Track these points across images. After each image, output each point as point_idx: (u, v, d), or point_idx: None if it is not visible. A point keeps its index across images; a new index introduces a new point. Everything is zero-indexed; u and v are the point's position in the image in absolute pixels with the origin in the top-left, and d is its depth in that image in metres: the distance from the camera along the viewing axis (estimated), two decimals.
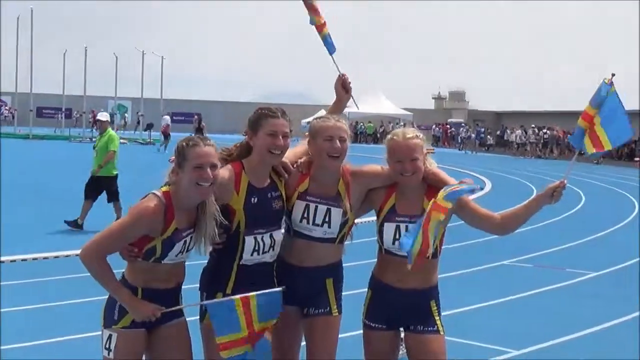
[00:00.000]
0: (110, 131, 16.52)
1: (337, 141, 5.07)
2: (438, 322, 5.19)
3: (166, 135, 47.84)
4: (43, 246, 13.53)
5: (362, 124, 73.73)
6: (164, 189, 4.81)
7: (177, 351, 4.95)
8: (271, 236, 5.03)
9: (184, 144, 4.77)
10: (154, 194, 4.76)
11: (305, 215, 5.13)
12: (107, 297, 4.87)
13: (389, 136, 5.24)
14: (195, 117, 52.48)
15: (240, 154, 5.11)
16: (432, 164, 5.26)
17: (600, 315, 10.43)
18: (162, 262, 4.79)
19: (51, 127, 68.44)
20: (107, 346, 4.80)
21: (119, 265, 4.91)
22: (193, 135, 4.97)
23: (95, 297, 9.65)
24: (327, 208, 5.12)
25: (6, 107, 76.55)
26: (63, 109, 66.60)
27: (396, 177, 5.12)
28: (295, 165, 5.26)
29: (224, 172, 4.97)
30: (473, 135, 69.86)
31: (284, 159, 5.17)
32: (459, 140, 70.01)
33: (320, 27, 5.86)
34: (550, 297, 11.63)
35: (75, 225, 15.65)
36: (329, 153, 5.07)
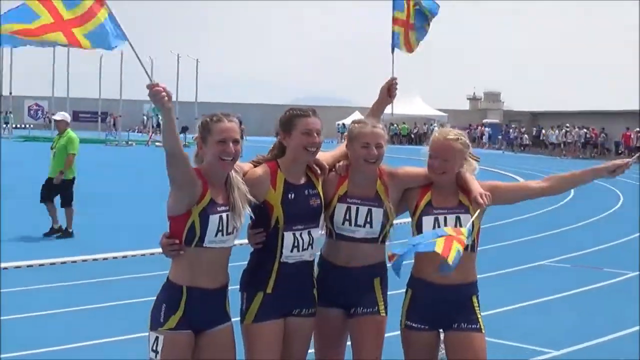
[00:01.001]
0: (70, 132, 15.66)
1: (374, 148, 5.14)
2: (479, 319, 5.19)
3: None
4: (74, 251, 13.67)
5: (396, 125, 73.59)
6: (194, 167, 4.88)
7: (230, 356, 4.98)
8: (309, 233, 5.09)
9: (208, 119, 4.88)
10: None
11: (347, 217, 5.19)
12: (153, 299, 4.89)
13: (435, 132, 5.31)
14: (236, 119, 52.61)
15: (275, 155, 5.19)
16: (470, 168, 5.31)
17: (637, 315, 10.38)
18: (204, 244, 4.77)
19: (87, 131, 69.07)
20: (154, 348, 4.79)
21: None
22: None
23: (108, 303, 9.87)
24: (369, 209, 5.18)
25: (45, 112, 77.30)
26: (99, 113, 67.10)
27: (429, 172, 5.20)
28: (334, 169, 5.33)
29: (259, 169, 5.09)
30: (500, 137, 69.68)
31: (321, 159, 5.26)
32: (493, 141, 69.71)
33: (397, 21, 6.19)
34: (588, 297, 11.59)
35: (60, 232, 15.21)
36: (366, 159, 5.16)
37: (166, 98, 4.49)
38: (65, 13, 4.74)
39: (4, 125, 64.02)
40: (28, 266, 12.19)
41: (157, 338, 4.79)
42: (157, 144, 53.77)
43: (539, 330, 9.54)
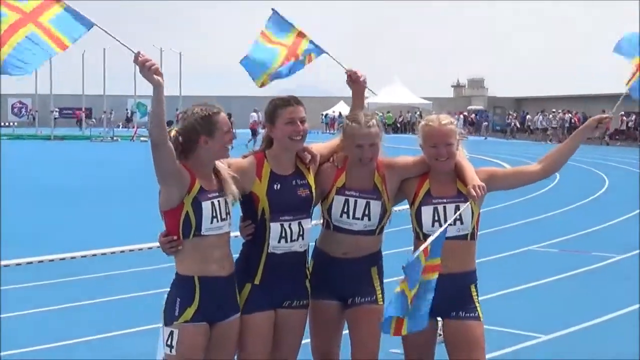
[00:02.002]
0: None
1: (368, 148, 5.13)
2: (478, 308, 5.19)
3: (254, 132, 45.56)
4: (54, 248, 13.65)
5: (381, 113, 73.63)
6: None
7: (230, 350, 5.02)
8: (299, 224, 5.07)
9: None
10: None
11: (345, 209, 5.18)
12: (165, 294, 4.90)
13: (423, 122, 5.26)
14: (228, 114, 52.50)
15: (264, 147, 5.19)
16: (462, 152, 5.29)
17: (627, 297, 10.45)
18: (202, 233, 4.78)
19: (71, 127, 68.86)
20: (169, 343, 4.79)
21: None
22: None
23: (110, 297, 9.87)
24: (367, 202, 5.17)
25: (28, 109, 77.04)
26: (83, 109, 66.87)
27: (431, 162, 5.16)
28: (331, 160, 5.32)
29: (245, 161, 5.11)
30: (485, 123, 70.00)
31: (314, 150, 5.26)
32: (482, 127, 69.99)
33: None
34: (576, 281, 11.66)
35: None
36: (362, 159, 5.15)
37: (155, 66, 4.55)
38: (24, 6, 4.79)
39: None
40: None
41: (171, 332, 4.79)
42: (142, 139, 53.73)
43: (527, 315, 9.59)
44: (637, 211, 19.54)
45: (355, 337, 5.23)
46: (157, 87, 4.58)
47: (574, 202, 20.99)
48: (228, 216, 4.92)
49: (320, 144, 5.42)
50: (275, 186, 5.04)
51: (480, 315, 5.19)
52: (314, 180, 5.20)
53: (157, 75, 4.58)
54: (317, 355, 5.36)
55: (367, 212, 5.17)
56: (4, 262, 11.93)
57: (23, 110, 78.72)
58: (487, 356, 7.67)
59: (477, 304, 5.19)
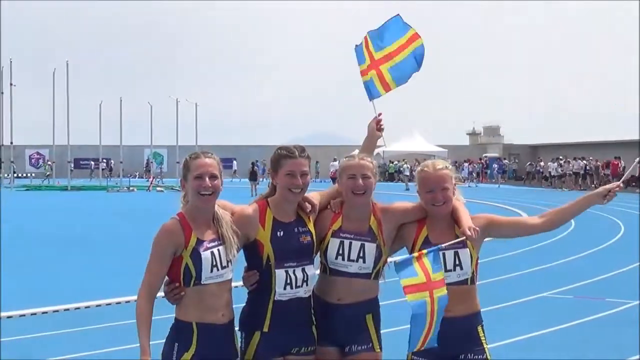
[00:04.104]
0: None
1: (360, 179, 5.19)
2: (486, 349, 5.20)
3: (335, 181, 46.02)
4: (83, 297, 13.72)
5: (396, 162, 73.70)
6: (179, 211, 4.97)
7: None
8: (303, 270, 5.09)
9: (187, 157, 5.01)
10: (170, 217, 4.93)
11: (341, 251, 5.20)
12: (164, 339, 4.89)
13: (419, 168, 5.36)
14: (252, 162, 53.45)
15: (269, 194, 5.25)
16: (460, 200, 5.35)
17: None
18: (202, 282, 4.80)
19: (88, 178, 69.14)
20: None
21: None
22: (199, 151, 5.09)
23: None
24: (361, 243, 5.19)
25: (45, 161, 77.47)
26: (100, 159, 67.25)
27: (428, 207, 5.22)
28: (328, 206, 5.38)
29: (249, 208, 5.15)
30: (495, 170, 70.03)
31: (313, 199, 5.31)
32: (491, 175, 70.02)
33: (365, 72, 6.08)
34: (591, 327, 11.62)
35: None
36: (353, 190, 5.20)
37: None
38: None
39: (5, 175, 64.22)
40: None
41: None
42: (158, 188, 53.97)
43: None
44: None
45: None
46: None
47: (589, 249, 20.92)
48: (229, 263, 4.93)
49: (318, 192, 5.47)
50: (278, 233, 5.08)
51: (489, 356, 5.20)
52: (313, 226, 5.25)
53: None
54: None
55: (362, 254, 5.18)
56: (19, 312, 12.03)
57: (40, 161, 79.16)
58: None
59: (485, 346, 5.21)
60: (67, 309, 12.59)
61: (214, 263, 4.84)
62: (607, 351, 10.04)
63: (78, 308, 12.70)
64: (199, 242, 4.83)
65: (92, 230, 26.62)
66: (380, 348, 5.27)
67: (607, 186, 5.27)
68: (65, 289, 14.77)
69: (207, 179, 4.86)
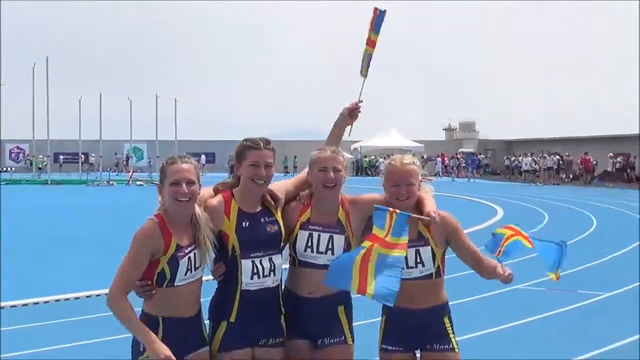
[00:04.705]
0: None
1: (331, 171, 5.17)
2: (453, 339, 5.23)
3: None
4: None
5: (372, 157, 73.84)
6: (157, 211, 4.91)
7: None
8: (270, 260, 5.06)
9: (164, 162, 4.95)
10: (149, 218, 4.86)
11: (309, 244, 5.17)
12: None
13: (387, 162, 5.36)
14: (229, 157, 53.09)
15: (234, 184, 5.21)
16: (428, 191, 5.37)
17: (613, 334, 10.50)
18: (175, 284, 4.80)
19: (68, 172, 68.78)
20: None
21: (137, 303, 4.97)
22: (175, 155, 5.02)
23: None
24: (330, 235, 5.17)
25: (26, 155, 77.05)
26: (80, 154, 66.89)
27: (392, 201, 5.20)
28: (297, 197, 5.34)
29: (214, 200, 5.10)
30: (468, 164, 70.30)
31: (277, 189, 5.26)
32: (466, 169, 70.23)
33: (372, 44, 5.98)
34: (563, 318, 11.68)
35: None
36: (324, 183, 5.18)
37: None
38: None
39: None
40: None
41: None
42: (137, 182, 53.73)
43: (515, 352, 9.61)
44: (624, 250, 19.64)
45: None
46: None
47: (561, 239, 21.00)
48: (203, 260, 4.93)
49: (286, 181, 5.43)
50: (244, 223, 5.05)
51: (455, 346, 5.23)
52: (281, 216, 5.21)
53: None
54: None
55: (330, 246, 5.15)
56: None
57: (20, 155, 78.71)
58: None
59: (451, 336, 5.24)
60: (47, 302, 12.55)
61: (189, 267, 4.84)
62: (579, 342, 10.09)
63: (58, 300, 12.68)
64: (178, 248, 4.81)
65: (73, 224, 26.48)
66: (353, 340, 5.26)
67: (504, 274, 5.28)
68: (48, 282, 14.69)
69: (184, 185, 4.80)
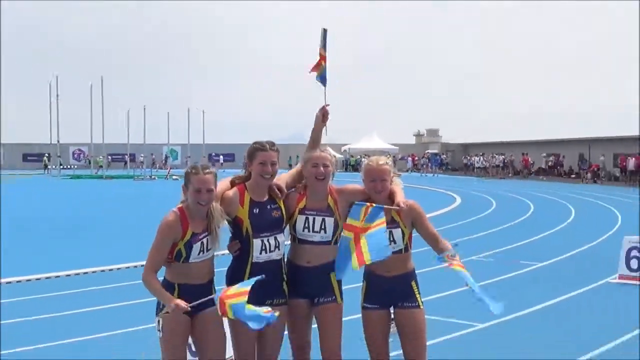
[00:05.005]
0: None
1: (321, 167, 5.17)
2: (418, 298, 5.22)
3: None
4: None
5: (358, 157, 73.63)
6: (179, 205, 4.94)
7: (213, 331, 5.01)
8: (275, 238, 5.08)
9: (189, 170, 4.96)
10: (172, 210, 4.90)
11: (306, 225, 5.17)
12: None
13: (365, 161, 5.32)
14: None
15: (247, 178, 5.19)
16: (398, 184, 5.32)
17: (544, 296, 10.53)
18: (189, 261, 4.85)
19: (119, 169, 68.73)
20: (158, 328, 4.87)
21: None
22: (198, 165, 5.04)
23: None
24: (322, 218, 5.16)
25: (85, 155, 76.93)
26: (128, 154, 66.88)
27: (369, 193, 5.20)
28: (294, 188, 5.33)
29: (231, 192, 5.11)
30: (429, 162, 70.12)
31: (280, 182, 5.25)
32: (430, 166, 70.05)
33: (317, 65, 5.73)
34: (508, 283, 11.70)
35: None
36: (316, 176, 5.18)
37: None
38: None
39: (53, 167, 63.87)
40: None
41: (159, 321, 4.86)
42: (173, 177, 53.65)
43: (467, 310, 9.59)
44: (555, 229, 19.70)
45: (321, 329, 5.21)
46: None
47: (506, 223, 21.07)
48: (214, 245, 4.97)
49: (285, 174, 5.41)
50: (254, 210, 5.05)
51: (420, 304, 5.21)
52: (283, 204, 5.20)
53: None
54: (294, 344, 5.31)
55: (323, 227, 5.16)
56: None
57: (81, 155, 78.44)
58: (436, 341, 7.81)
59: (417, 296, 5.21)
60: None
61: (201, 249, 4.89)
62: (518, 301, 10.10)
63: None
64: (193, 235, 4.85)
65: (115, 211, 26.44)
66: (342, 300, 5.27)
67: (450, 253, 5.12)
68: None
69: (205, 192, 4.85)
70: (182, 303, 4.69)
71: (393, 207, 5.09)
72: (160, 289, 4.80)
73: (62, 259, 14.03)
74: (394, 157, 60.33)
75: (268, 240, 5.05)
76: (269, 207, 5.12)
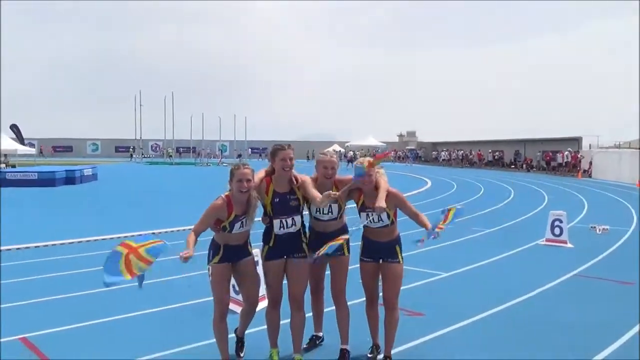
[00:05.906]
0: None
1: (329, 169, 5.16)
2: (399, 256, 5.21)
3: None
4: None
5: (352, 152, 73.29)
6: (227, 193, 4.91)
7: (250, 275, 5.07)
8: (292, 219, 5.04)
9: (232, 167, 4.94)
10: (221, 196, 4.88)
11: (318, 209, 5.19)
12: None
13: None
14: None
15: (272, 171, 5.12)
16: (382, 176, 5.22)
17: (491, 253, 10.39)
18: (232, 233, 4.89)
19: (185, 159, 68.80)
20: (209, 274, 4.90)
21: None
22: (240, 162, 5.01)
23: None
24: (330, 204, 5.14)
25: (160, 148, 77.13)
26: (191, 148, 66.91)
27: (361, 184, 5.13)
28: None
29: (261, 184, 5.05)
30: (409, 156, 69.81)
31: (307, 181, 5.15)
32: (409, 159, 69.70)
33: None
34: (465, 243, 11.58)
35: None
36: (325, 176, 5.17)
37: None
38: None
39: (137, 156, 64.02)
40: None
41: (209, 268, 4.90)
42: (224, 164, 53.62)
43: (434, 261, 9.53)
44: (501, 204, 19.51)
45: (333, 273, 5.24)
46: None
47: (464, 200, 20.92)
48: (249, 224, 4.94)
49: (311, 180, 5.21)
50: (275, 199, 5.01)
51: (401, 260, 5.21)
52: (301, 195, 5.12)
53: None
54: (312, 285, 5.33)
55: (330, 209, 5.16)
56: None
57: (157, 148, 78.58)
58: (410, 286, 7.74)
59: (399, 255, 5.21)
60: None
61: (241, 226, 4.90)
62: (475, 255, 9.99)
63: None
64: (235, 217, 4.85)
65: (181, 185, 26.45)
66: (349, 253, 5.32)
67: (437, 230, 4.96)
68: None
69: (245, 182, 4.81)
70: (183, 254, 4.37)
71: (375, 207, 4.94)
72: (189, 241, 4.63)
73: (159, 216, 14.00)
74: (390, 152, 59.95)
75: (286, 221, 5.02)
76: (288, 197, 5.05)
